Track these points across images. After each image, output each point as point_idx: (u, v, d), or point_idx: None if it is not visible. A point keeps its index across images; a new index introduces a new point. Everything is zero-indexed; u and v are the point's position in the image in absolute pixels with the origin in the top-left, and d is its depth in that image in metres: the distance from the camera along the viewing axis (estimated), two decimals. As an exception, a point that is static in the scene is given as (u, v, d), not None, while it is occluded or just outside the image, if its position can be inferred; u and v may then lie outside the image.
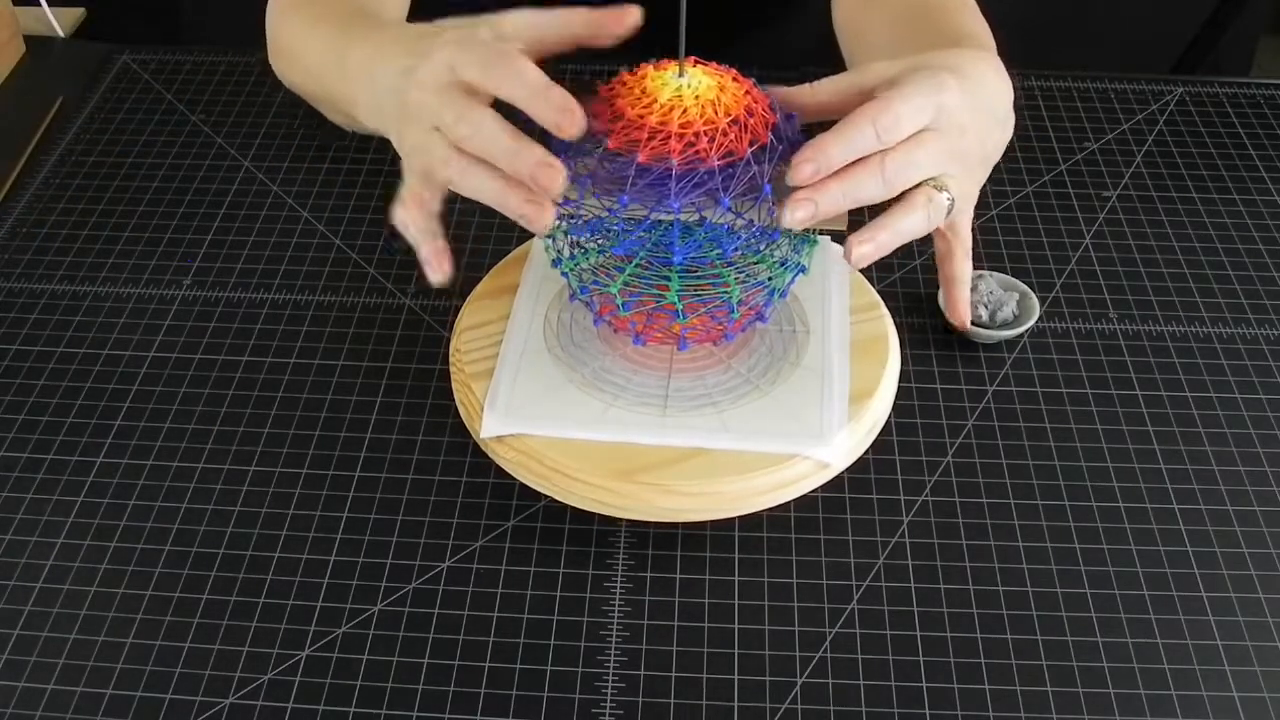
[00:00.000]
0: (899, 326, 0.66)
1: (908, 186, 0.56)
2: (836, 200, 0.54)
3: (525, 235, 0.70)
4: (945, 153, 0.57)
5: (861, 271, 0.67)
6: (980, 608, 0.56)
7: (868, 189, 0.55)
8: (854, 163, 0.55)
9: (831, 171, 0.54)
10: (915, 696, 0.53)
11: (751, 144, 0.53)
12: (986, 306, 0.68)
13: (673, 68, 0.54)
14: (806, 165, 0.54)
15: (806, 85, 0.59)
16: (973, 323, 0.67)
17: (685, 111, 0.53)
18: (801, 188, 0.54)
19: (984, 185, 0.62)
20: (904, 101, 0.55)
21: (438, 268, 0.59)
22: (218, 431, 0.65)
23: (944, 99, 0.56)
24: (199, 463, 0.63)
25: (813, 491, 0.58)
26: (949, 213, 0.57)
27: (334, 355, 0.69)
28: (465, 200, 0.79)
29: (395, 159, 0.82)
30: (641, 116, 0.53)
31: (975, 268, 0.69)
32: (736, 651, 0.55)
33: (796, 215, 0.54)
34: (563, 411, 0.59)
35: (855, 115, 0.55)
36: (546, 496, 0.58)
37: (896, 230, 0.56)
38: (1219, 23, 1.07)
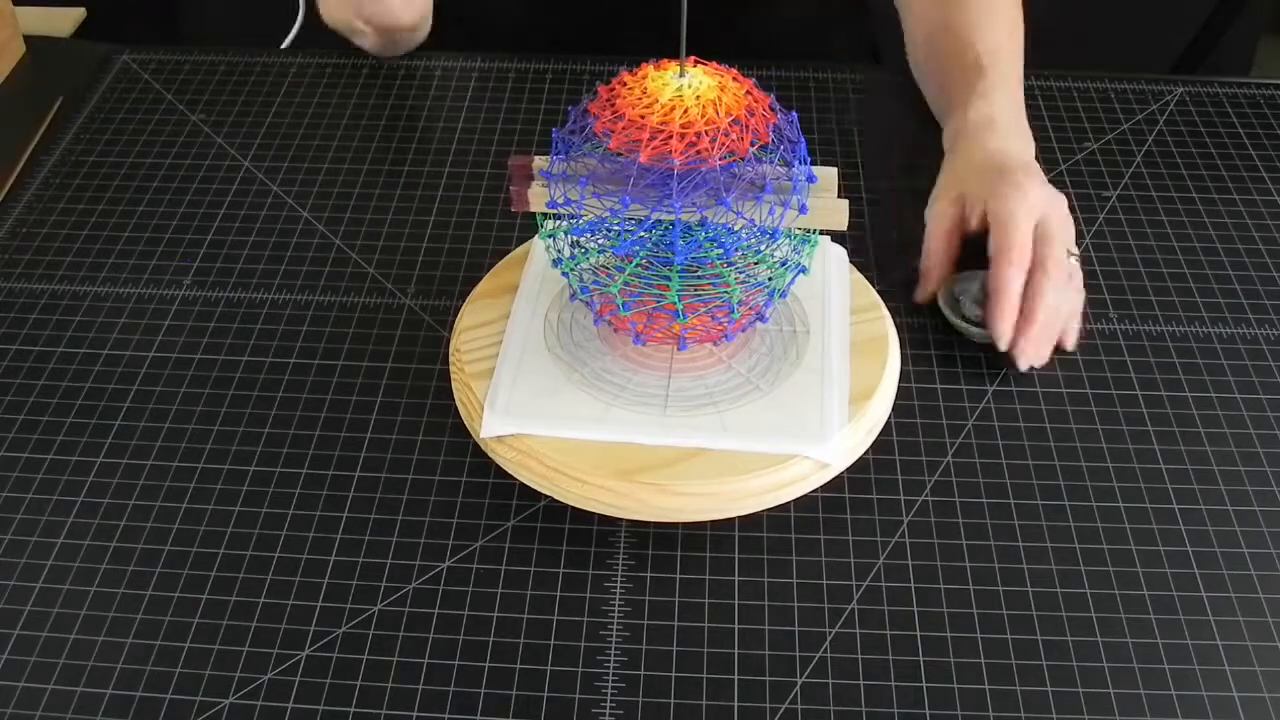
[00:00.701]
0: (899, 326, 0.66)
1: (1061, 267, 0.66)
2: (1049, 339, 0.67)
3: (525, 235, 0.70)
4: (1059, 227, 0.67)
5: (861, 272, 0.67)
6: (980, 608, 0.56)
7: (1065, 304, 0.67)
8: (1028, 293, 0.66)
9: (1017, 308, 0.66)
10: (915, 696, 0.53)
11: (753, 144, 0.53)
12: (979, 304, 0.68)
13: (673, 68, 0.54)
14: (1002, 326, 0.65)
15: (928, 251, 0.71)
16: (966, 319, 0.68)
17: (686, 111, 0.53)
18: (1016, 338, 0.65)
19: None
20: (1023, 234, 0.66)
21: None
22: (218, 431, 0.65)
23: (1030, 199, 0.67)
24: (199, 463, 0.63)
25: (813, 491, 0.58)
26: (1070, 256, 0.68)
27: (334, 355, 0.69)
28: (465, 201, 0.79)
29: (394, 160, 0.83)
30: (643, 117, 0.53)
31: (972, 267, 0.69)
32: (736, 651, 0.55)
33: (1038, 359, 0.66)
34: (563, 411, 0.59)
35: (1000, 273, 0.66)
36: (546, 496, 0.58)
37: (1054, 314, 0.67)
38: (1219, 23, 1.07)
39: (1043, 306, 0.65)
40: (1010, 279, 0.66)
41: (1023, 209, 0.67)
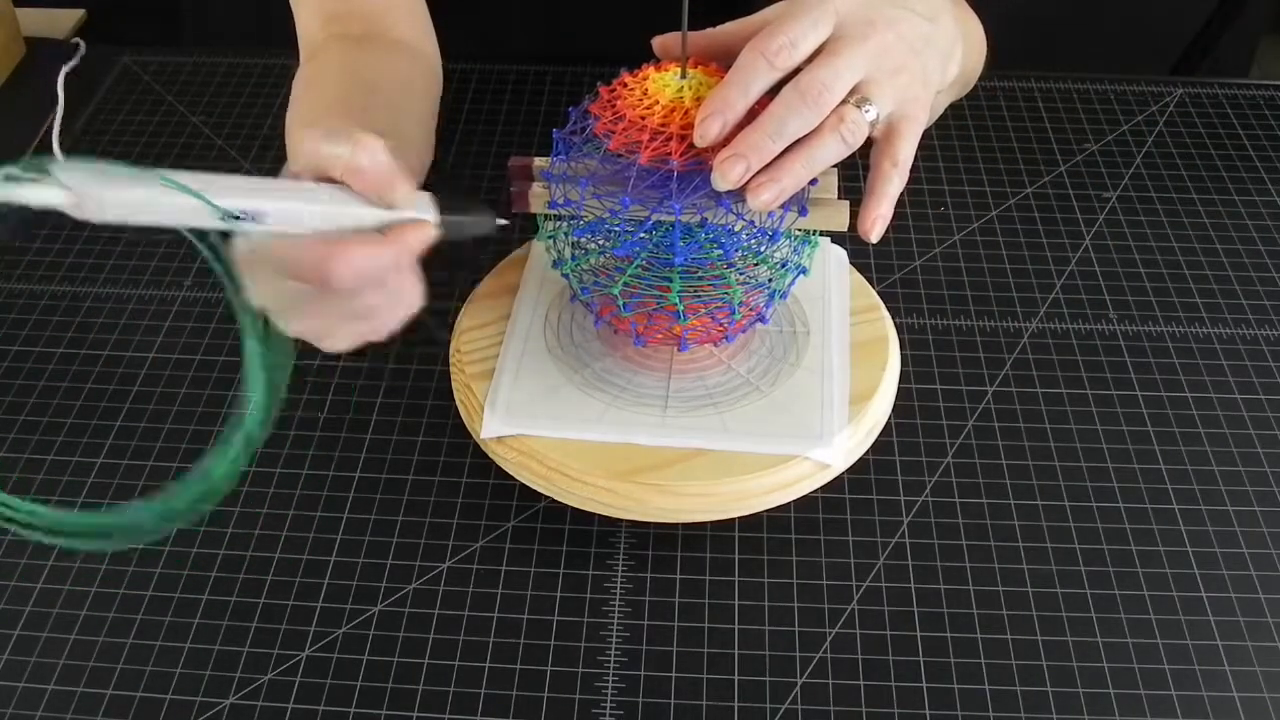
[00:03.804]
0: (899, 327, 0.66)
1: (834, 105, 0.51)
2: (764, 145, 0.50)
3: (525, 236, 0.70)
4: (860, 55, 0.52)
5: (861, 272, 0.67)
6: (980, 608, 0.56)
7: (793, 121, 0.50)
8: (771, 100, 0.51)
9: (740, 118, 0.50)
10: (915, 696, 0.53)
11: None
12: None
13: (674, 69, 0.54)
14: (711, 121, 0.50)
15: (706, 30, 0.56)
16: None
17: (686, 113, 0.53)
18: (723, 151, 0.50)
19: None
20: (791, 22, 0.51)
21: None
22: (218, 432, 0.65)
23: (837, 4, 0.52)
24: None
25: (813, 492, 0.58)
26: (874, 125, 0.53)
27: (334, 355, 0.69)
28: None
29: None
30: (643, 118, 0.53)
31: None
32: (736, 652, 0.55)
33: (731, 176, 0.49)
34: (563, 412, 0.59)
35: (745, 53, 0.51)
36: (546, 497, 0.59)
37: (809, 162, 0.51)
38: (1219, 23, 1.07)
39: (769, 117, 0.50)
40: (748, 64, 0.51)
41: (804, 7, 0.52)
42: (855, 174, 0.81)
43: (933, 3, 0.58)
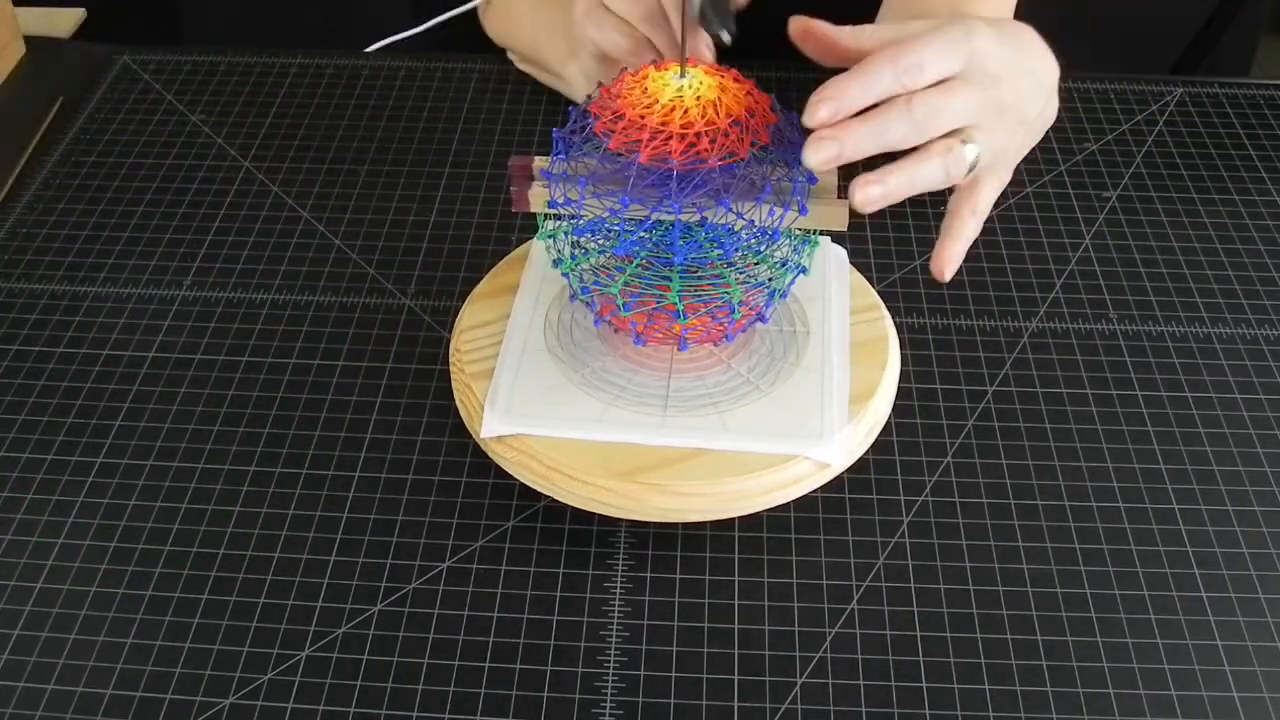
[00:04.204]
0: (899, 327, 0.66)
1: (939, 133, 0.54)
2: (863, 141, 0.52)
3: (525, 235, 0.70)
4: (976, 101, 0.54)
5: (861, 272, 0.67)
6: (980, 608, 0.56)
7: (895, 130, 0.52)
8: (880, 105, 0.52)
9: (852, 113, 0.52)
10: (915, 696, 0.53)
11: (752, 145, 0.53)
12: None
13: (674, 68, 0.54)
14: (824, 105, 0.51)
15: (849, 28, 0.57)
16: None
17: (686, 112, 0.53)
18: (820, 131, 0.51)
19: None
20: (927, 45, 0.53)
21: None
22: (218, 431, 0.65)
23: (975, 45, 0.54)
24: (199, 463, 0.63)
25: (813, 492, 0.58)
26: (971, 169, 0.55)
27: (334, 355, 0.69)
28: (465, 201, 0.79)
29: (394, 160, 0.82)
30: (643, 117, 0.53)
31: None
32: (736, 651, 0.55)
33: (821, 155, 0.51)
34: (563, 411, 0.59)
35: (875, 56, 0.52)
36: (546, 496, 0.59)
37: (911, 176, 0.53)
38: (1219, 23, 1.07)
39: (877, 117, 0.52)
40: (876, 69, 0.52)
41: (955, 30, 0.54)
42: (854, 173, 0.81)
43: (1055, 74, 0.60)
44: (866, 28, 0.57)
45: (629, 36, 0.64)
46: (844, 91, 0.51)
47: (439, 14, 0.91)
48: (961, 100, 0.54)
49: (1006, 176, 0.60)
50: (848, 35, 0.57)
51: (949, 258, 0.59)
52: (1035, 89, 0.58)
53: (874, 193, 0.53)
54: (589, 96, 0.56)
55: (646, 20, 0.66)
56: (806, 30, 0.57)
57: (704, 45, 0.61)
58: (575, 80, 0.70)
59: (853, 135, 0.52)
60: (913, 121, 0.53)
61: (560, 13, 0.67)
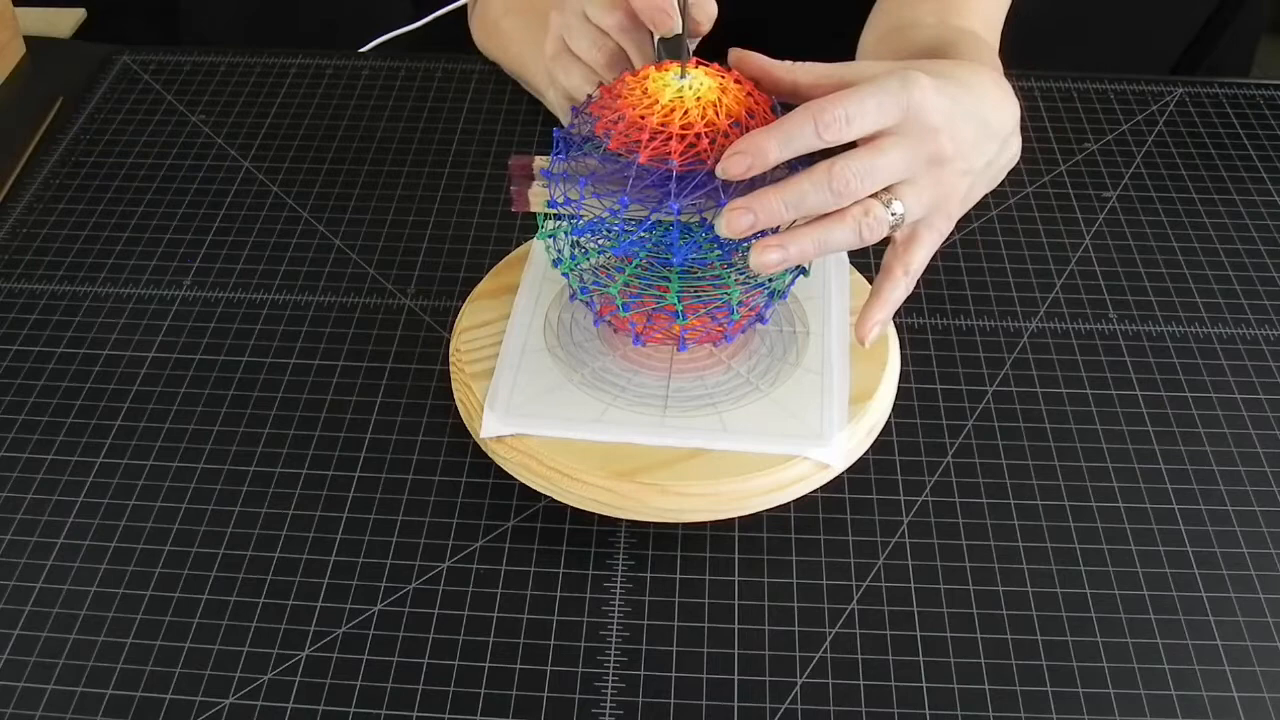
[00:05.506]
0: (899, 327, 0.66)
1: (861, 196, 0.52)
2: (777, 211, 0.50)
3: (525, 235, 0.70)
4: (907, 157, 0.52)
5: (861, 272, 0.67)
6: (980, 608, 0.56)
7: (811, 199, 0.51)
8: (802, 171, 0.51)
9: (766, 168, 0.50)
10: (915, 696, 0.53)
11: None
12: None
13: (674, 69, 0.54)
14: (739, 159, 0.49)
15: (786, 63, 0.56)
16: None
17: (686, 113, 0.53)
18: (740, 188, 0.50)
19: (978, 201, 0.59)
20: (856, 99, 0.51)
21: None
22: (218, 432, 0.65)
23: (912, 97, 0.52)
24: (199, 463, 0.63)
25: (813, 492, 0.58)
26: (893, 228, 0.53)
27: (334, 355, 0.69)
28: (465, 201, 0.79)
29: (394, 160, 0.82)
30: (643, 117, 0.53)
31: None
32: (736, 651, 0.55)
33: (735, 226, 0.50)
34: (563, 411, 0.59)
35: (799, 110, 0.51)
36: (546, 496, 0.59)
37: (819, 242, 0.52)
38: (1219, 23, 1.07)
39: (792, 187, 0.50)
40: (796, 125, 0.50)
41: (891, 83, 0.52)
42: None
43: (1011, 118, 0.58)
44: (804, 65, 0.56)
45: (592, 83, 0.62)
46: (759, 148, 0.50)
47: (438, 8, 0.91)
48: (890, 158, 0.52)
49: (946, 228, 0.57)
50: (783, 70, 0.56)
51: (873, 323, 0.56)
52: (984, 136, 0.56)
53: (772, 258, 0.51)
54: (590, 96, 0.56)
55: (609, 68, 0.62)
56: (740, 60, 0.56)
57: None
58: (556, 105, 0.69)
59: (766, 206, 0.50)
60: (831, 190, 0.51)
61: (544, 34, 0.66)
